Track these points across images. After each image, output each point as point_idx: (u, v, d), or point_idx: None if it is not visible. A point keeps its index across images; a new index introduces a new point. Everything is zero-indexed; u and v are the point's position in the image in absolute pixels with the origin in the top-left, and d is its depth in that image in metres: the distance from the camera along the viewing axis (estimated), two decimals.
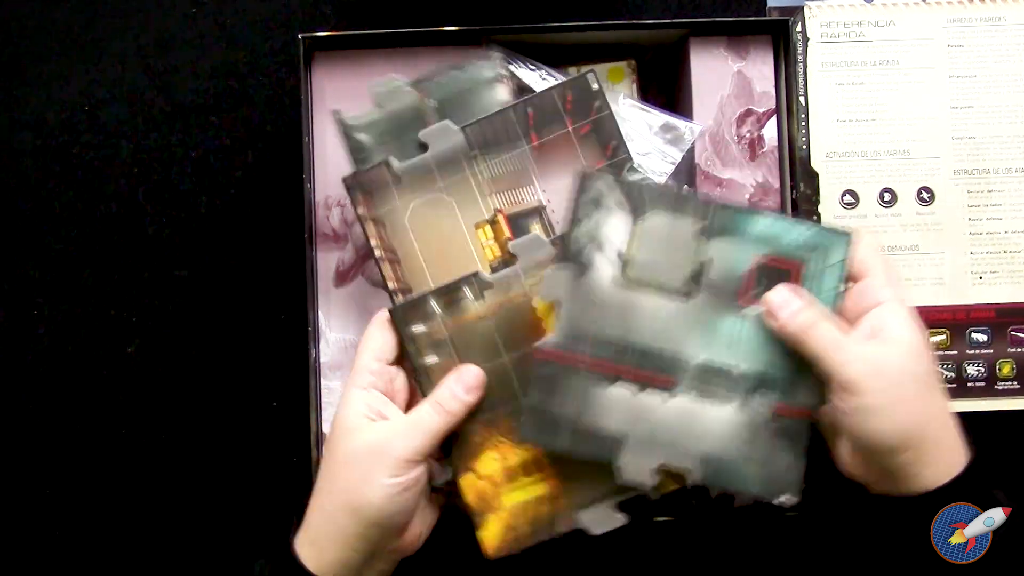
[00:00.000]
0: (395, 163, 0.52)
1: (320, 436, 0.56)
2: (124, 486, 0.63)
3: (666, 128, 0.59)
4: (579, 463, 0.50)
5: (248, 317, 0.63)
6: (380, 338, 0.50)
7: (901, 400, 0.45)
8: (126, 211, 0.63)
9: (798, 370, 0.48)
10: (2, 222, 0.63)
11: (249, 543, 0.62)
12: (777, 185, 0.58)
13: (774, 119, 0.58)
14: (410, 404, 0.51)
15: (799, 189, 0.58)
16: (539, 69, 0.60)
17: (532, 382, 0.49)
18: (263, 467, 0.63)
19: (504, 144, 0.52)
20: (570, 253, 0.49)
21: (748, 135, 0.58)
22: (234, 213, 0.63)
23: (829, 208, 0.58)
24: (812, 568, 0.61)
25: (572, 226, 0.49)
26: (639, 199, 0.49)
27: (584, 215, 0.49)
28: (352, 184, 0.52)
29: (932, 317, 0.58)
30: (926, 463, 0.45)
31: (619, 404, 0.49)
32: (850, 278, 0.48)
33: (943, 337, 0.58)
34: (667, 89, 0.63)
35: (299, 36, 0.56)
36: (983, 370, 0.58)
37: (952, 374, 0.58)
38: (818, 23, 0.58)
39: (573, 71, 0.61)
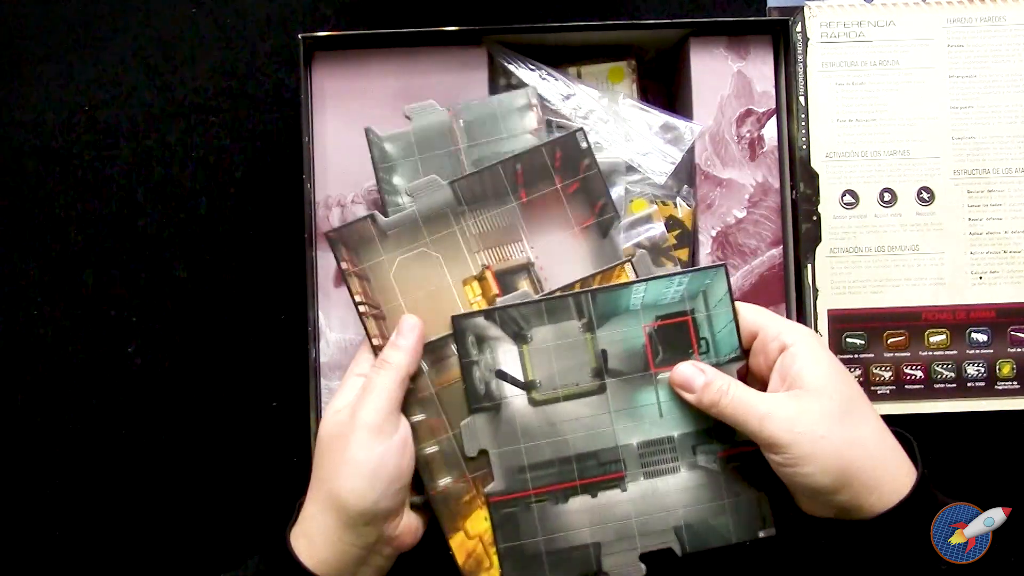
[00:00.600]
0: (380, 218, 0.51)
1: None
2: (124, 486, 0.63)
3: (666, 128, 0.59)
4: None
5: (248, 317, 0.63)
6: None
7: (820, 444, 0.46)
8: (126, 211, 0.63)
9: None
10: (2, 222, 0.63)
11: (249, 543, 0.62)
12: (777, 185, 0.58)
13: (774, 119, 0.58)
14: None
15: (799, 189, 0.58)
16: (539, 69, 0.60)
17: (495, 529, 0.50)
18: (263, 467, 0.63)
19: (492, 200, 0.52)
20: (477, 399, 0.50)
21: (748, 135, 0.58)
22: (234, 213, 0.63)
23: (829, 208, 0.58)
24: (812, 568, 0.61)
25: (467, 372, 0.50)
26: (515, 323, 0.51)
27: (472, 359, 0.50)
28: (335, 238, 0.51)
29: (932, 317, 0.58)
30: (868, 493, 0.46)
31: (582, 515, 0.51)
32: (744, 346, 0.50)
33: (943, 337, 0.58)
34: (667, 89, 0.63)
35: (299, 36, 0.56)
36: (983, 370, 0.58)
37: (952, 374, 0.58)
38: (818, 23, 0.58)
39: (573, 71, 0.61)
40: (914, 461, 0.48)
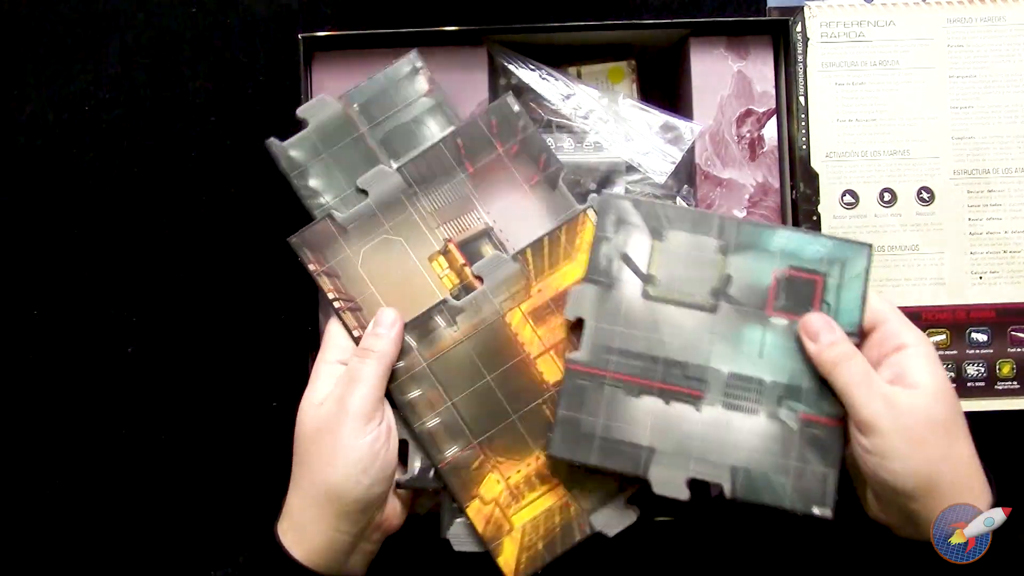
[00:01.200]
0: (338, 215, 0.53)
1: None
2: (124, 486, 0.63)
3: (666, 128, 0.59)
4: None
5: (248, 317, 0.63)
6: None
7: (917, 445, 0.45)
8: (126, 211, 0.63)
9: (824, 380, 0.48)
10: (2, 222, 0.63)
11: (249, 542, 0.62)
12: (777, 185, 0.58)
13: (774, 119, 0.58)
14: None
15: (799, 189, 0.58)
16: (539, 69, 0.60)
17: (561, 396, 0.50)
18: (263, 467, 0.63)
19: (441, 176, 0.53)
20: (595, 271, 0.50)
21: (748, 135, 0.58)
22: (234, 213, 0.63)
23: (829, 208, 0.58)
24: (812, 568, 0.61)
25: (596, 246, 0.51)
26: (658, 220, 0.51)
27: (606, 235, 0.51)
28: (298, 243, 0.53)
29: (932, 317, 0.58)
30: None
31: (648, 416, 0.49)
32: (864, 331, 0.49)
33: (943, 337, 0.58)
34: (667, 89, 0.63)
35: (299, 36, 0.56)
36: (983, 370, 0.58)
37: (952, 374, 0.58)
38: (818, 23, 0.58)
39: (573, 71, 0.61)
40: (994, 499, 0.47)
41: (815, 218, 0.58)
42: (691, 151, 0.58)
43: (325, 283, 0.53)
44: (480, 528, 0.51)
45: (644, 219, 0.51)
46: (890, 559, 0.48)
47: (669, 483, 0.49)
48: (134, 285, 0.63)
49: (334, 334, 0.52)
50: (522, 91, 0.59)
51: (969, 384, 0.58)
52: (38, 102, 0.64)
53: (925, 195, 0.58)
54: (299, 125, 0.54)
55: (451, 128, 0.54)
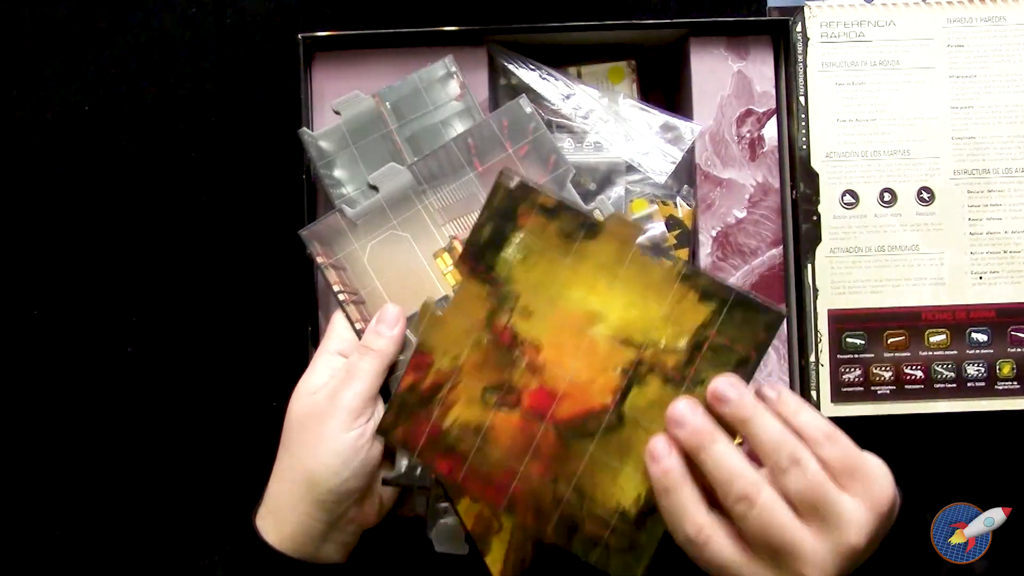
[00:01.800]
0: (348, 210, 0.53)
1: None
2: (124, 486, 0.63)
3: (666, 128, 0.59)
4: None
5: (248, 317, 0.63)
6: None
7: None
8: (126, 210, 0.63)
9: None
10: (2, 222, 0.63)
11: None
12: (777, 185, 0.58)
13: (774, 119, 0.58)
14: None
15: (799, 189, 0.58)
16: (539, 69, 0.60)
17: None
18: (262, 466, 0.62)
19: (450, 175, 0.54)
20: None
21: (748, 135, 0.58)
22: (234, 213, 0.63)
23: (829, 208, 0.58)
24: None
25: None
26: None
27: None
28: (309, 236, 0.54)
29: (932, 317, 0.58)
30: None
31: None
32: None
33: (943, 337, 0.58)
34: (667, 89, 0.63)
35: (299, 36, 0.56)
36: (983, 370, 0.58)
37: (952, 374, 0.58)
38: (818, 23, 0.58)
39: (573, 71, 0.61)
40: None
41: (815, 218, 0.58)
42: (691, 151, 0.58)
43: (332, 275, 0.53)
44: (469, 526, 0.51)
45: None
46: (890, 559, 0.48)
47: None
48: (134, 285, 0.63)
49: (337, 325, 0.53)
50: (522, 91, 0.59)
51: (969, 384, 0.58)
52: (38, 102, 0.64)
53: (925, 195, 0.58)
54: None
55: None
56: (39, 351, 0.63)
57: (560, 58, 0.60)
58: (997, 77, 0.58)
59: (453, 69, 0.55)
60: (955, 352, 0.58)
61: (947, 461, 0.62)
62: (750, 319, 0.45)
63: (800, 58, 0.58)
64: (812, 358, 0.58)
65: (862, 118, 0.58)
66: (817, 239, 0.58)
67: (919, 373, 0.58)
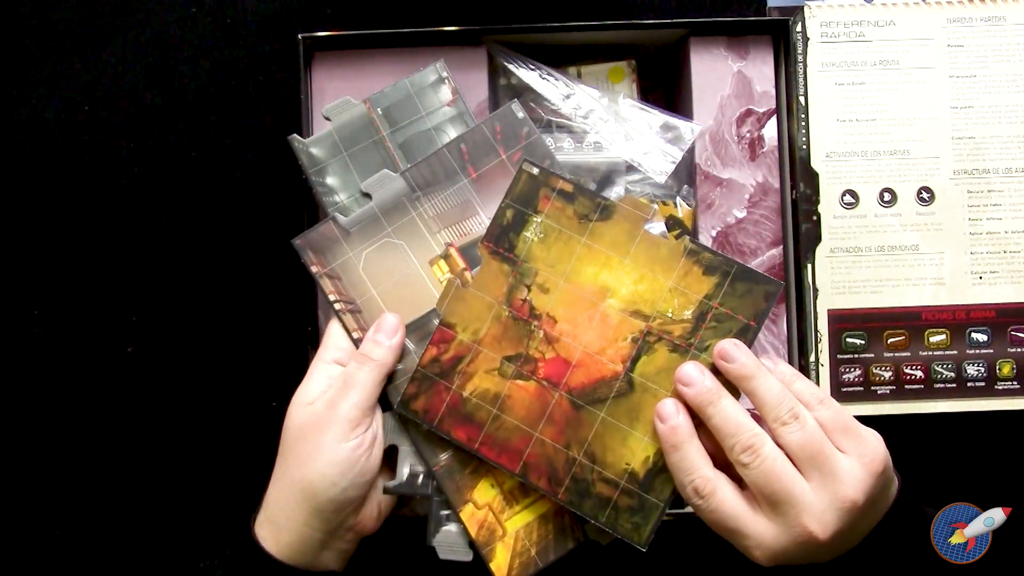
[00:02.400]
0: (341, 218, 0.53)
1: None
2: (123, 486, 0.63)
3: (666, 128, 0.59)
4: None
5: (248, 317, 0.63)
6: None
7: None
8: (126, 210, 0.63)
9: None
10: (2, 222, 0.63)
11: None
12: (777, 185, 0.58)
13: (774, 119, 0.58)
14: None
15: (799, 189, 0.58)
16: (539, 69, 0.60)
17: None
18: (262, 466, 0.62)
19: (444, 181, 0.54)
20: None
21: (748, 135, 0.58)
22: (234, 213, 0.63)
23: (829, 208, 0.58)
24: (812, 567, 0.61)
25: None
26: None
27: None
28: (302, 245, 0.53)
29: (932, 317, 0.58)
30: None
31: None
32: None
33: (943, 337, 0.58)
34: (667, 89, 0.63)
35: (299, 36, 0.56)
36: (983, 370, 0.58)
37: (952, 374, 0.58)
38: (818, 23, 0.58)
39: (573, 71, 0.61)
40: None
41: (815, 218, 0.58)
42: (691, 151, 0.58)
43: (327, 285, 0.53)
44: (473, 533, 0.51)
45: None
46: (890, 558, 0.48)
47: None
48: (134, 285, 0.63)
49: (334, 334, 0.52)
50: (522, 91, 0.59)
51: (969, 384, 0.58)
52: (38, 102, 0.64)
53: (925, 195, 0.58)
54: (301, 127, 0.54)
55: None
56: (39, 351, 0.63)
57: (560, 58, 0.60)
58: (997, 77, 0.58)
59: (444, 74, 0.55)
60: (955, 352, 0.58)
61: (947, 461, 0.62)
62: (750, 289, 0.49)
63: (800, 58, 0.58)
64: (812, 358, 0.58)
65: (862, 118, 0.58)
66: (817, 239, 0.58)
67: (919, 373, 0.58)
